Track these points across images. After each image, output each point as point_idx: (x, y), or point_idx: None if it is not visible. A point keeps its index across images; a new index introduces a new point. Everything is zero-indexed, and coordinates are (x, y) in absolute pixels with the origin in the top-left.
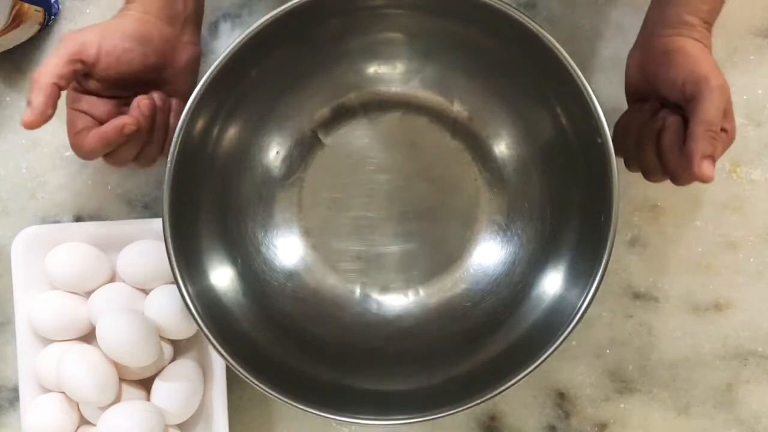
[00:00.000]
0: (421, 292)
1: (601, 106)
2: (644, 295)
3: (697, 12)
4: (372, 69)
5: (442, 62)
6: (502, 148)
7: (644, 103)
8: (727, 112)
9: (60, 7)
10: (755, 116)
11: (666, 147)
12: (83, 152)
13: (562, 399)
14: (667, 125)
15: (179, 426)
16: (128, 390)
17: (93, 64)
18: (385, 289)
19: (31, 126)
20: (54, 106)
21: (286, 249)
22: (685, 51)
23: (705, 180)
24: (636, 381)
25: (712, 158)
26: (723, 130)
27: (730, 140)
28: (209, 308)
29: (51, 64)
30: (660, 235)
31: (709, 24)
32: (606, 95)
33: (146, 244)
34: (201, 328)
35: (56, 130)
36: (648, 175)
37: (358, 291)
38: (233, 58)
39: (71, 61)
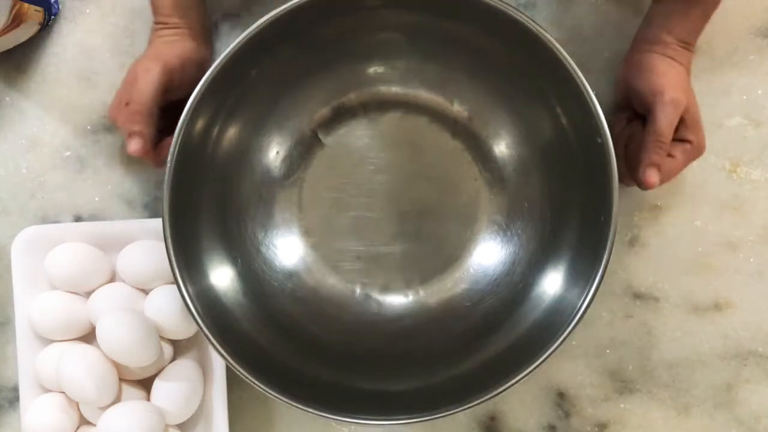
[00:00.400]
0: (421, 292)
1: (601, 106)
2: (644, 295)
3: (672, 32)
4: (372, 69)
5: (442, 62)
6: (502, 148)
7: (623, 112)
8: (693, 125)
9: (60, 7)
10: (755, 116)
11: (628, 153)
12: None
13: (562, 399)
14: (633, 134)
15: (179, 426)
16: (128, 390)
17: (173, 91)
18: (385, 289)
19: (143, 154)
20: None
21: (286, 249)
22: (653, 66)
23: (646, 186)
24: (636, 381)
25: (658, 167)
26: (687, 141)
27: (697, 151)
28: (209, 308)
29: (149, 95)
30: (660, 235)
31: (686, 43)
32: (606, 95)
33: (146, 244)
34: (201, 328)
35: (56, 130)
36: (620, 179)
37: (358, 291)
38: (233, 59)
39: (163, 90)
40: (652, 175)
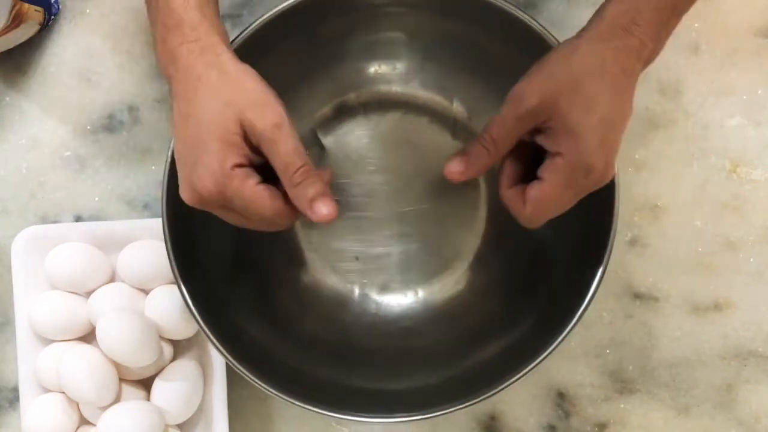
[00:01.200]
0: (421, 292)
1: None
2: (644, 295)
3: (606, 12)
4: (372, 69)
5: (442, 62)
6: None
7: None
8: (561, 133)
9: (60, 7)
10: (755, 116)
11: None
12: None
13: (562, 399)
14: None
15: (179, 426)
16: (128, 390)
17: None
18: (384, 289)
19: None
20: None
21: (286, 249)
22: (540, 63)
23: (448, 176)
24: (636, 381)
25: (465, 156)
26: (556, 154)
27: (578, 167)
28: (209, 308)
29: (298, 147)
30: (660, 235)
31: (632, 24)
32: None
33: (146, 244)
34: (201, 328)
35: (56, 130)
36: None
37: (357, 291)
38: None
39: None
40: (452, 163)
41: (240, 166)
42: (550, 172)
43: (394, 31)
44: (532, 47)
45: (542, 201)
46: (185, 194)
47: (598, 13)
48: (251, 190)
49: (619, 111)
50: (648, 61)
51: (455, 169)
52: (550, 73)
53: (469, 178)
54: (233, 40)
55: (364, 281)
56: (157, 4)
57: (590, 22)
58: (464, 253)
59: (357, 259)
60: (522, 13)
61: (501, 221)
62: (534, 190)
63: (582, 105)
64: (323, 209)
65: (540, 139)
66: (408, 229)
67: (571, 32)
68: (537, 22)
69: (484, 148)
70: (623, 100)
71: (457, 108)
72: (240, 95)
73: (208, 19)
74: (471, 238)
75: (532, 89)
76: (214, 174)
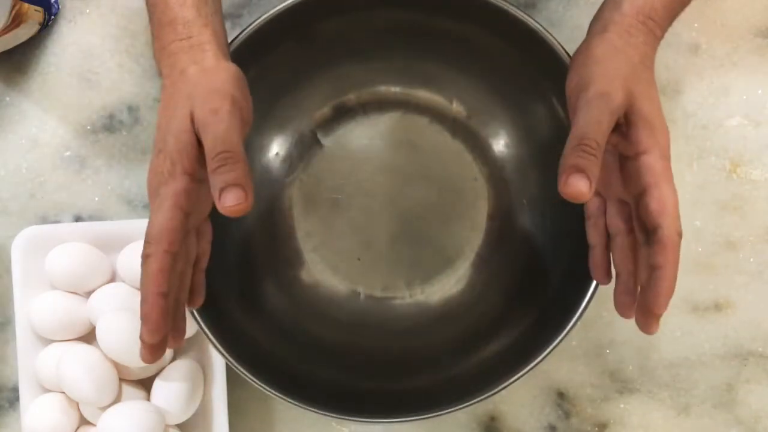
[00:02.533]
0: (422, 291)
1: None
2: None
3: (625, 4)
4: (372, 68)
5: (441, 61)
6: (501, 147)
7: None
8: (644, 125)
9: (60, 7)
10: (755, 116)
11: None
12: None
13: (562, 399)
14: None
15: (179, 426)
16: (128, 390)
17: (247, 124)
18: (385, 289)
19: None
20: None
21: (286, 250)
22: (589, 53)
23: (572, 196)
24: (636, 381)
25: (583, 171)
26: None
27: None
28: (209, 308)
29: (234, 136)
30: None
31: (648, 18)
32: None
33: None
34: (201, 328)
35: (56, 130)
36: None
37: (358, 291)
38: (232, 58)
39: (243, 129)
40: (575, 181)
41: (184, 173)
42: (652, 177)
43: (394, 30)
44: (532, 47)
45: (668, 207)
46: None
47: (616, 7)
48: (165, 190)
49: (659, 99)
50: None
51: (583, 188)
52: (614, 67)
53: (594, 192)
54: (233, 40)
55: (365, 282)
56: (155, 1)
57: (606, 14)
58: (466, 252)
59: (358, 259)
60: (522, 13)
61: (502, 220)
62: (654, 203)
63: (646, 96)
64: (228, 199)
65: (620, 145)
66: (409, 229)
67: (571, 32)
68: (537, 22)
69: (593, 156)
70: (657, 90)
71: (457, 108)
72: (201, 88)
73: (202, 18)
74: (472, 236)
75: (610, 84)
76: (162, 171)
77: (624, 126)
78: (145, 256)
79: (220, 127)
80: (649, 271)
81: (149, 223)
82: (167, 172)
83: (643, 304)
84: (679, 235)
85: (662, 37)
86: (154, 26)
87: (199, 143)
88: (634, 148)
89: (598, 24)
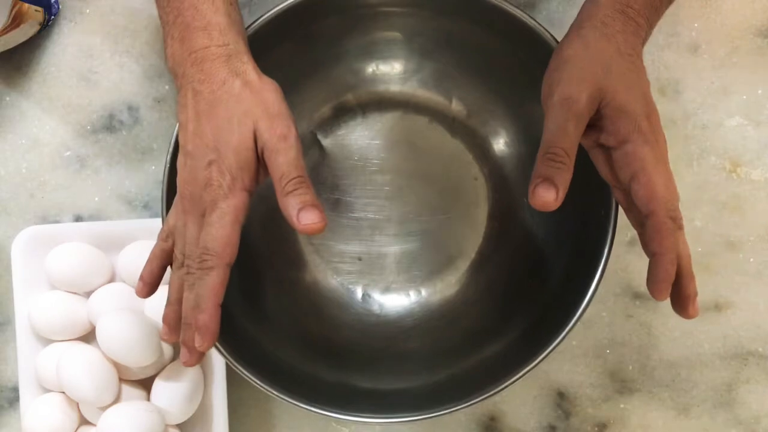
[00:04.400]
0: (423, 292)
1: None
2: (644, 295)
3: None
4: (371, 68)
5: (440, 61)
6: (501, 146)
7: None
8: (617, 115)
9: (60, 7)
10: (755, 116)
11: None
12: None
13: (562, 399)
14: None
15: (179, 426)
16: (128, 390)
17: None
18: (386, 289)
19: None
20: None
21: (287, 250)
22: (559, 54)
23: (540, 205)
24: (636, 381)
25: (550, 180)
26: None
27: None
28: None
29: (300, 161)
30: None
31: (627, 6)
32: None
33: (146, 244)
34: None
35: (56, 130)
36: None
37: (359, 292)
38: None
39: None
40: (541, 191)
41: (244, 189)
42: (638, 164)
43: (393, 30)
44: (532, 47)
45: (658, 192)
46: (183, 178)
47: (593, 1)
48: (225, 204)
49: (646, 84)
50: (643, 43)
51: (549, 198)
52: (579, 67)
53: (562, 201)
54: None
55: (366, 282)
56: (180, 4)
57: (584, 9)
58: (466, 252)
59: (360, 259)
60: (521, 13)
61: (502, 219)
62: (642, 190)
63: (623, 85)
64: (308, 218)
65: (601, 138)
66: (409, 229)
67: None
68: (536, 21)
69: (561, 164)
70: (642, 75)
71: (456, 107)
72: (257, 106)
73: (235, 26)
74: (473, 236)
75: (573, 87)
76: (221, 184)
77: (600, 120)
78: (208, 268)
79: (291, 154)
80: (650, 259)
81: (207, 234)
82: (227, 187)
83: (653, 291)
84: (673, 218)
85: (648, 26)
86: (178, 28)
87: (257, 160)
88: (614, 139)
89: (575, 21)
